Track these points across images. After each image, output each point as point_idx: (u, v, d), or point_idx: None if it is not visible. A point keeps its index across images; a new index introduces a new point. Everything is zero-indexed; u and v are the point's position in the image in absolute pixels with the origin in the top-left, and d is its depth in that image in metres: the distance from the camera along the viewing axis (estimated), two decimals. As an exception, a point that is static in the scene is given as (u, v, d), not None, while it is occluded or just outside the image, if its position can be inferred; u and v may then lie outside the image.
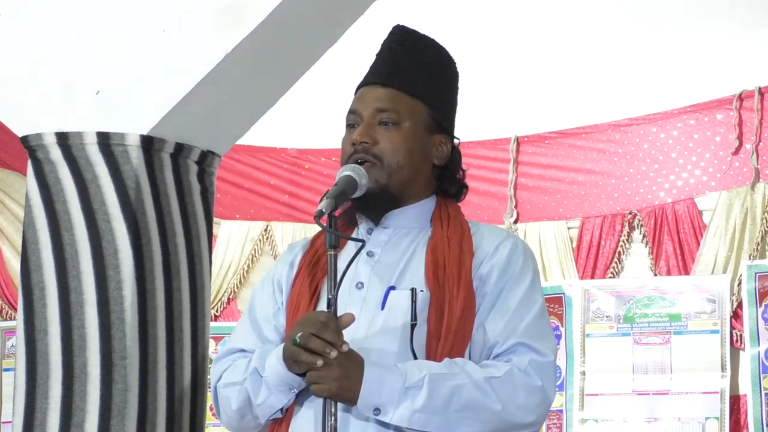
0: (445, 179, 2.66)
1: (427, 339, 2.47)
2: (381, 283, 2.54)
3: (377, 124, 2.58)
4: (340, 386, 2.38)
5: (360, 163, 2.56)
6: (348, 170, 2.53)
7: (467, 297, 2.50)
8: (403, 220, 2.61)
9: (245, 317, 2.67)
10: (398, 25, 2.69)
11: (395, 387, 2.39)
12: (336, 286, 2.41)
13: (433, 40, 2.68)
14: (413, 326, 2.47)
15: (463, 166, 2.70)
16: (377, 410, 2.40)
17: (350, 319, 2.41)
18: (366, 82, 2.64)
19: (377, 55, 2.66)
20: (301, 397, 2.49)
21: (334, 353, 2.36)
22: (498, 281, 2.53)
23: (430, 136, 2.62)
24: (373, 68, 2.65)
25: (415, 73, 2.61)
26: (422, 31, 2.69)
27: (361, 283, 2.55)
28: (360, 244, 2.46)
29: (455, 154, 2.67)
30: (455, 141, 2.68)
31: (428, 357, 2.46)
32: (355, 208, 2.60)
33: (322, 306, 2.48)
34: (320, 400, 2.40)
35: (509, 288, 2.53)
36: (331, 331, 2.37)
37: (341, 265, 2.43)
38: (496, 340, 2.49)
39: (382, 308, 2.51)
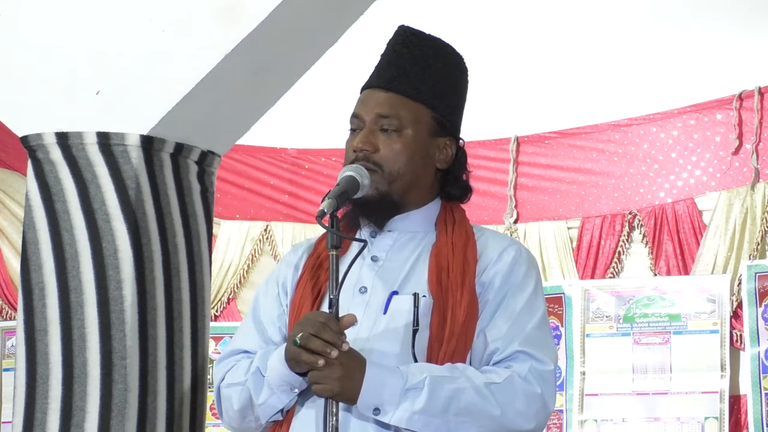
0: (449, 182, 2.65)
1: (429, 344, 2.47)
2: (384, 288, 2.53)
3: (379, 130, 2.57)
4: (342, 386, 2.38)
5: None
6: (350, 170, 2.52)
7: (470, 303, 2.49)
8: (408, 224, 2.61)
9: (249, 318, 2.66)
10: (402, 25, 2.66)
11: (396, 388, 2.39)
12: (337, 286, 2.40)
13: (438, 40, 2.65)
14: (415, 331, 2.47)
15: (468, 168, 2.69)
16: (377, 410, 2.40)
17: (351, 320, 2.41)
18: (369, 85, 2.63)
19: (381, 56, 2.64)
20: (301, 398, 2.49)
21: (335, 353, 2.36)
22: (500, 288, 2.52)
23: (434, 140, 2.60)
24: (377, 70, 2.63)
25: (419, 77, 2.59)
26: (425, 31, 2.67)
27: (365, 288, 2.55)
28: (362, 244, 2.46)
29: (460, 155, 2.65)
30: (461, 142, 2.66)
31: (429, 362, 2.46)
32: (358, 213, 2.60)
33: (325, 308, 2.48)
34: (321, 401, 2.40)
35: (511, 295, 2.52)
36: (330, 331, 2.37)
37: (344, 268, 2.43)
38: (497, 346, 2.48)
39: (385, 313, 2.51)
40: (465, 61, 2.68)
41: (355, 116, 2.60)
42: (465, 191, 2.67)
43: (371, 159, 2.54)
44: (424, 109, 2.59)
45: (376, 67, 2.64)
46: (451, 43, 2.67)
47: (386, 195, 2.55)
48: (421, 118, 2.58)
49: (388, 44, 2.65)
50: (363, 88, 2.64)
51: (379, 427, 2.42)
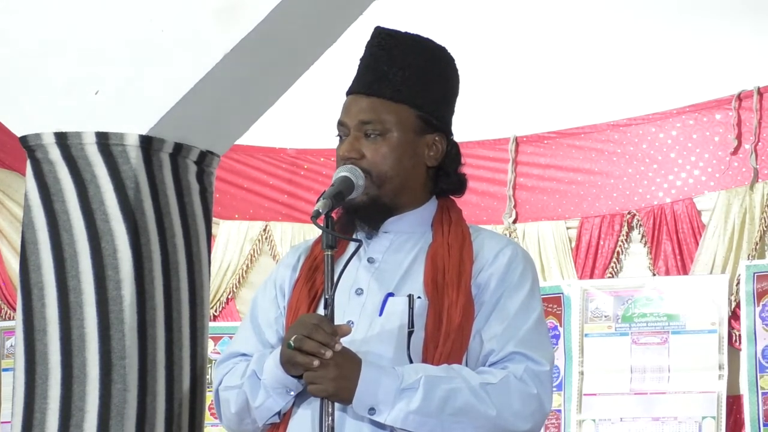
0: (441, 178, 2.64)
1: (424, 345, 2.46)
2: (380, 290, 2.53)
3: (363, 137, 2.56)
4: (337, 386, 2.38)
5: None
6: (344, 171, 2.52)
7: (466, 304, 2.49)
8: (404, 225, 2.60)
9: (247, 320, 2.66)
10: (378, 27, 2.64)
11: (391, 387, 2.39)
12: (332, 286, 2.40)
13: (416, 36, 2.63)
14: (410, 333, 2.47)
15: (462, 160, 2.65)
16: (372, 410, 2.40)
17: (346, 330, 2.41)
18: (351, 91, 2.61)
19: (360, 60, 2.62)
20: (298, 400, 2.49)
21: (329, 353, 2.36)
22: (496, 289, 2.52)
23: (421, 139, 2.58)
24: (357, 75, 2.61)
25: (398, 77, 2.57)
26: (419, 31, 2.64)
27: (361, 290, 2.55)
28: (357, 244, 2.46)
29: (451, 148, 2.62)
30: (452, 136, 2.64)
31: (425, 363, 2.45)
32: (352, 218, 2.58)
33: (321, 310, 2.48)
34: (317, 402, 2.41)
35: (507, 296, 2.52)
36: (322, 332, 2.37)
37: (340, 269, 2.43)
38: (492, 348, 2.48)
39: (380, 314, 2.50)
40: (448, 51, 2.65)
41: (340, 124, 2.60)
42: (459, 185, 2.65)
43: (359, 166, 2.53)
44: (407, 109, 2.57)
45: (357, 72, 2.62)
46: (448, 44, 2.65)
47: (377, 199, 2.55)
48: (404, 119, 2.57)
49: (365, 47, 2.63)
50: (346, 94, 2.63)
51: (374, 427, 2.42)
